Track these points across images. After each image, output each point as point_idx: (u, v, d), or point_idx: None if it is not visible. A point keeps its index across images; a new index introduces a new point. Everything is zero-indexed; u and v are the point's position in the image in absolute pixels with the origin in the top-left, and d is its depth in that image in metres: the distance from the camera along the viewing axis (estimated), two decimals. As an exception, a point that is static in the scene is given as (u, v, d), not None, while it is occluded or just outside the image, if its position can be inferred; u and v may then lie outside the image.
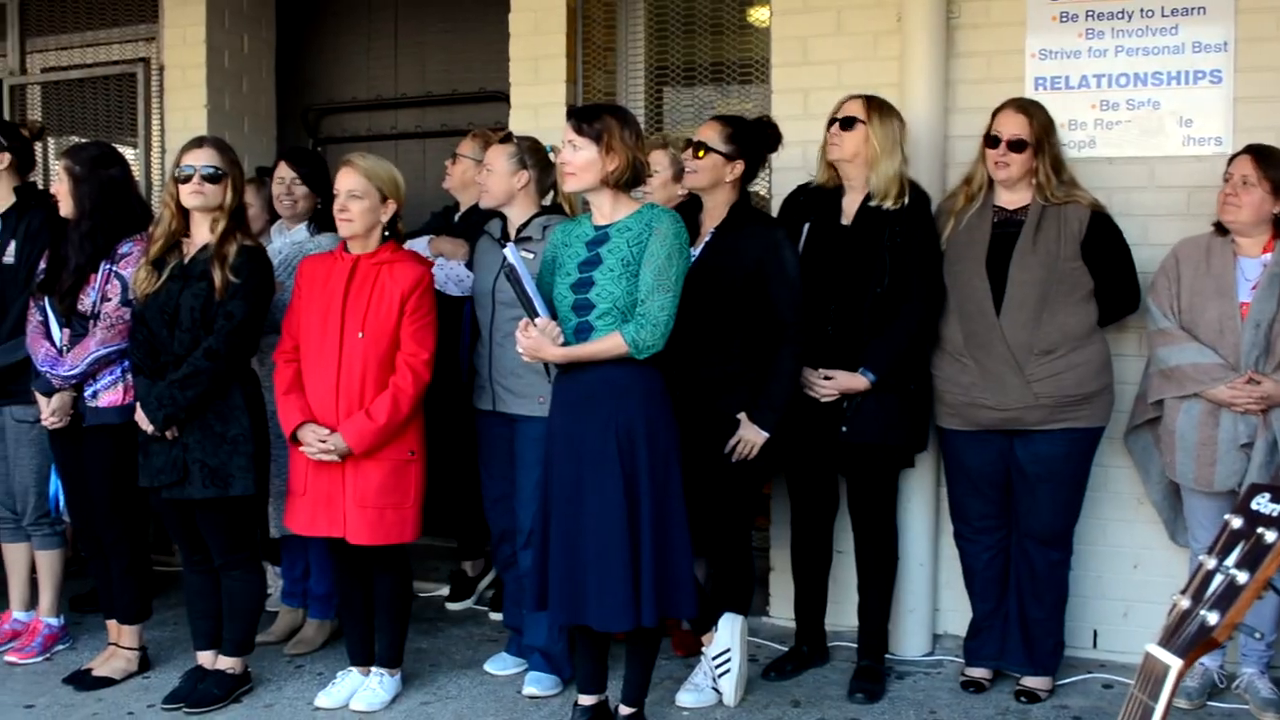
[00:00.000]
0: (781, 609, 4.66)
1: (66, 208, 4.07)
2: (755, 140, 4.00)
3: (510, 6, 5.18)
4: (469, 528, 5.07)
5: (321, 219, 4.44)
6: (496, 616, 4.83)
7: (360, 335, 3.76)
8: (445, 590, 5.17)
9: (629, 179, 3.44)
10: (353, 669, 4.03)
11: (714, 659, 3.91)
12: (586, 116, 3.42)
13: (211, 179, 3.82)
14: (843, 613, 4.41)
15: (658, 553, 3.36)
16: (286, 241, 4.44)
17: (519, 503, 4.04)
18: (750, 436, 3.85)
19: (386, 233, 3.86)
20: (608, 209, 3.45)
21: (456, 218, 4.92)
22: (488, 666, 4.30)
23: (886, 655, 4.28)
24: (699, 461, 3.69)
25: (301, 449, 3.82)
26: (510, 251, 3.43)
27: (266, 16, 6.15)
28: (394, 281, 3.79)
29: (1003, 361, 3.85)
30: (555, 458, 3.48)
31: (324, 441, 3.75)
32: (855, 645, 4.23)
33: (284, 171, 4.54)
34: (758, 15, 5.39)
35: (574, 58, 5.16)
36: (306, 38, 6.41)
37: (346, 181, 3.80)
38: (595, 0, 5.32)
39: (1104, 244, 3.90)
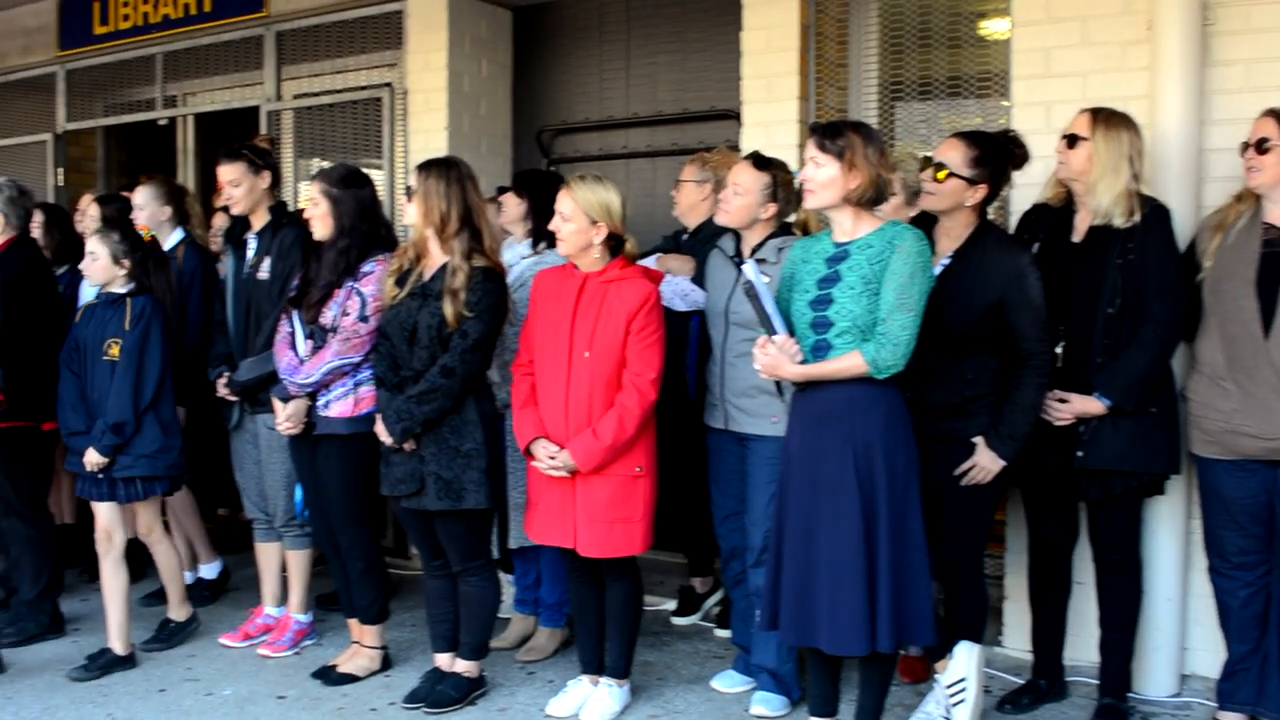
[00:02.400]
0: (1016, 640, 4.51)
1: (324, 228, 4.26)
2: (1000, 162, 3.87)
3: (742, 25, 5.20)
4: (698, 544, 5.09)
5: (548, 235, 4.54)
6: (723, 633, 4.84)
7: (586, 355, 3.82)
8: (672, 605, 5.20)
9: (871, 197, 3.38)
10: (583, 677, 4.10)
11: (948, 688, 3.80)
12: (829, 133, 3.38)
13: (410, 198, 4.01)
14: (1082, 646, 4.23)
15: (895, 576, 3.29)
16: (516, 255, 4.58)
17: (749, 521, 4.03)
18: (986, 463, 3.74)
19: (611, 253, 3.91)
20: (849, 226, 3.41)
21: (684, 238, 4.97)
22: (715, 683, 4.30)
23: (1129, 694, 4.08)
24: (930, 485, 3.60)
25: (533, 463, 3.91)
26: (751, 268, 3.41)
27: (504, 42, 6.35)
28: (620, 300, 3.83)
29: (1269, 388, 3.61)
30: (791, 476, 3.44)
31: (553, 458, 3.82)
32: (1095, 682, 4.06)
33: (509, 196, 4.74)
34: (996, 27, 5.26)
35: (806, 74, 5.13)
36: (541, 61, 6.58)
37: (560, 204, 3.89)
38: (828, 16, 5.28)
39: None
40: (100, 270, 4.50)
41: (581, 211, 3.84)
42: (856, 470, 3.30)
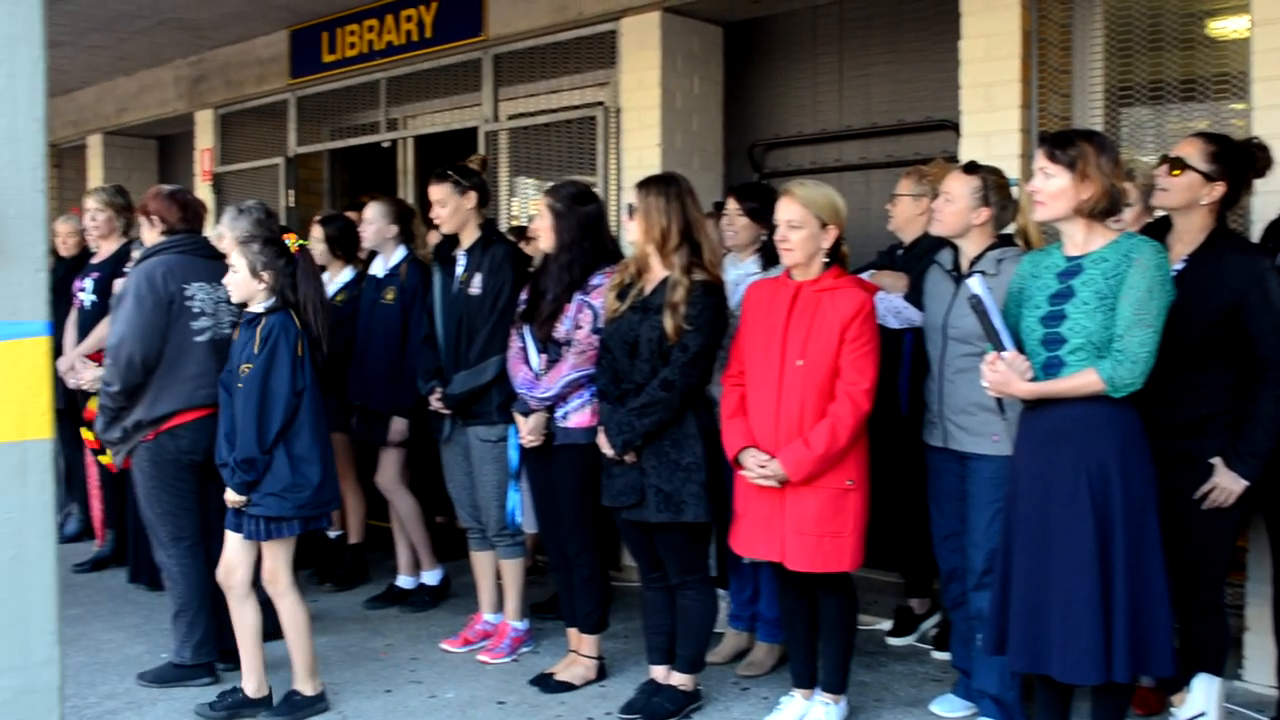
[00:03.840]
0: (1259, 674, 4.26)
1: (547, 242, 4.37)
2: (1240, 161, 3.68)
3: (960, 34, 5.10)
4: (915, 564, 5.00)
5: (771, 251, 4.53)
6: (940, 655, 4.74)
7: (799, 363, 3.79)
8: (887, 625, 5.11)
9: (1104, 208, 3.26)
10: (795, 692, 4.06)
11: (1186, 723, 3.63)
12: (1060, 143, 3.28)
13: (631, 215, 4.05)
14: (1334, 684, 3.98)
15: (1132, 602, 3.15)
16: (742, 273, 4.57)
17: (970, 542, 3.92)
18: (1227, 484, 3.55)
19: (828, 259, 3.88)
20: (1081, 239, 3.29)
21: (900, 253, 4.89)
22: (934, 707, 4.21)
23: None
24: (1166, 508, 3.43)
25: (742, 473, 3.90)
26: (977, 282, 3.33)
27: (715, 58, 6.39)
28: (835, 309, 3.78)
29: None
30: (1019, 497, 3.34)
31: (763, 467, 3.81)
32: (1350, 721, 3.80)
33: (730, 204, 4.69)
34: (1233, 26, 5.00)
35: (1028, 82, 5.00)
36: (753, 75, 6.60)
37: (785, 211, 3.85)
38: (1050, 21, 5.13)
39: None
40: (239, 284, 4.12)
41: (812, 215, 3.81)
42: (1090, 492, 3.18)
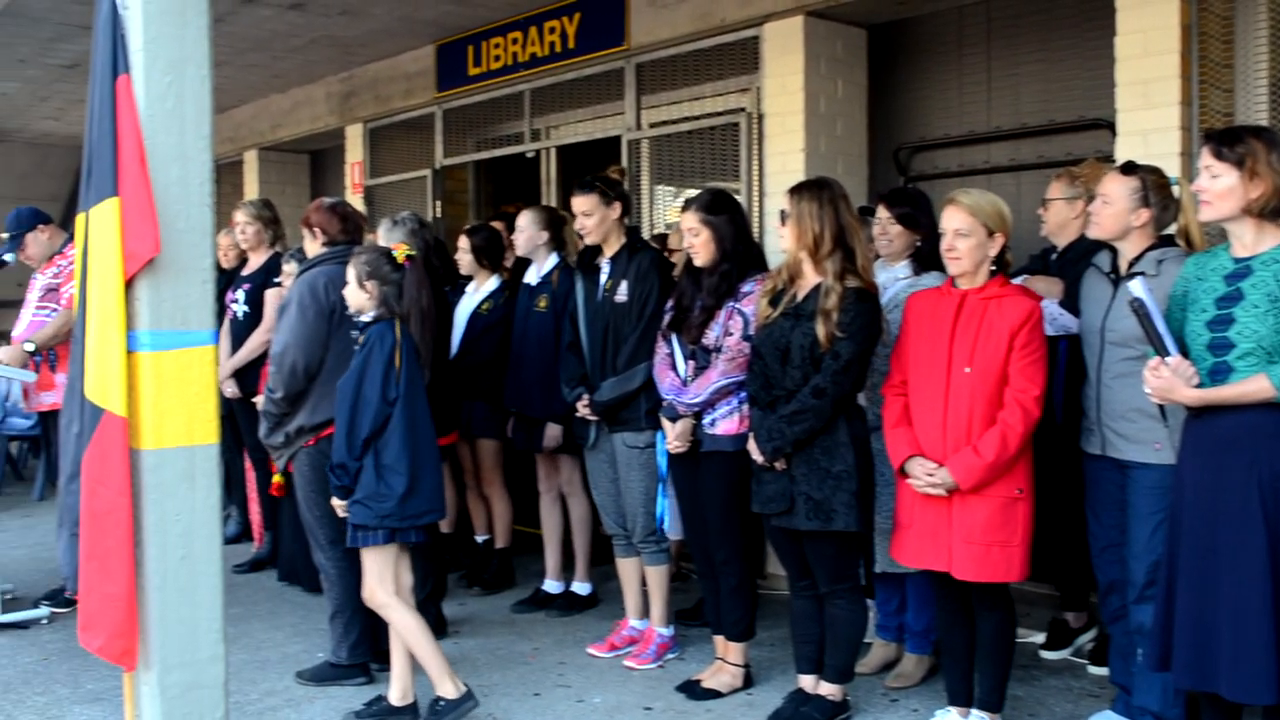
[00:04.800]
0: None
1: (706, 255, 4.38)
2: None
3: (1115, 29, 4.95)
4: (1071, 575, 4.86)
5: (923, 257, 4.46)
6: (1096, 670, 4.61)
7: (967, 370, 3.73)
8: (1040, 637, 4.99)
9: (1275, 207, 3.13)
10: (951, 709, 3.98)
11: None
12: (1227, 140, 3.16)
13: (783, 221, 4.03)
14: None
15: (1310, 620, 3.02)
16: (891, 276, 4.51)
17: (1130, 553, 3.81)
18: None
19: (994, 267, 3.81)
20: (1250, 240, 3.17)
21: (1053, 257, 4.78)
22: (1092, 724, 4.09)
23: None
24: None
25: (909, 482, 3.85)
26: (1139, 284, 3.23)
27: (859, 61, 6.32)
28: (1003, 316, 3.73)
29: None
30: (1185, 507, 3.22)
31: (931, 475, 3.75)
32: None
33: (881, 212, 4.63)
34: None
35: (1188, 77, 4.82)
36: (897, 78, 6.51)
37: (952, 220, 3.80)
38: (1211, 14, 4.93)
39: None
40: (350, 295, 4.20)
41: (980, 223, 3.77)
42: (1262, 503, 3.05)
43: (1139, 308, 3.21)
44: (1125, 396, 3.72)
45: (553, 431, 5.49)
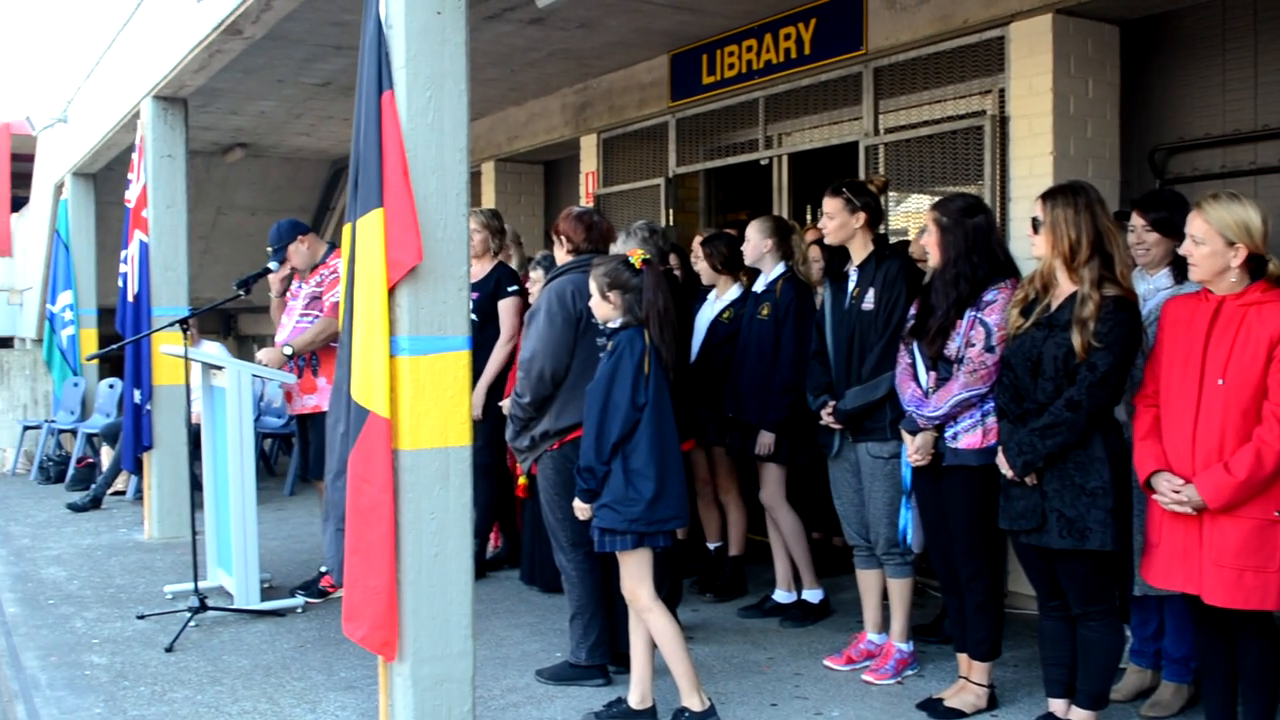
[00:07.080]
0: None
1: (934, 256, 4.30)
2: None
3: (1406, 17, 4.58)
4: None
5: (1184, 264, 4.22)
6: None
7: (1220, 382, 3.51)
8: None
9: None
10: (1215, 743, 3.75)
11: None
12: None
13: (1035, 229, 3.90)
14: None
15: None
16: (1151, 287, 4.29)
17: None
18: None
19: (1252, 277, 3.57)
20: None
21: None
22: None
23: None
24: None
25: (1155, 497, 3.65)
26: None
27: (1111, 59, 6.05)
28: (1262, 324, 3.49)
29: None
30: None
31: (1178, 492, 3.55)
32: None
33: (1136, 219, 4.42)
34: None
35: None
36: (1152, 76, 6.19)
37: (1190, 225, 3.64)
38: None
39: None
40: (596, 307, 4.29)
41: (1216, 233, 3.56)
42: None
43: None
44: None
45: (764, 439, 5.46)
